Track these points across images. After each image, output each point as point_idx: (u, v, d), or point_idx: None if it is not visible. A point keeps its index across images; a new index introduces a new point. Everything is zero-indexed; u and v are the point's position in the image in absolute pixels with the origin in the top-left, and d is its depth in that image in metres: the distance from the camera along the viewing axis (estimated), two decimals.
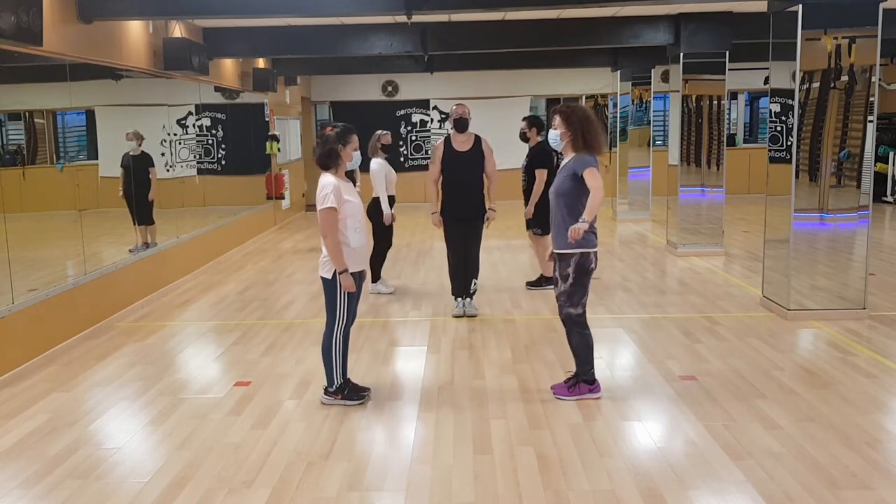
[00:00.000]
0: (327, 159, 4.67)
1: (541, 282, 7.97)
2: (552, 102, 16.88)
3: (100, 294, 6.83)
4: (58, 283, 6.25)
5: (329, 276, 4.66)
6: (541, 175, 7.51)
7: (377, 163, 7.63)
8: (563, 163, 4.79)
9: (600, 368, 5.40)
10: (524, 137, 7.88)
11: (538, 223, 7.81)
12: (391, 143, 7.80)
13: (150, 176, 7.90)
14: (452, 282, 7.02)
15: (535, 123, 7.87)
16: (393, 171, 7.78)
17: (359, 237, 4.72)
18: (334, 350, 4.74)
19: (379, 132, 7.83)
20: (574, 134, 4.63)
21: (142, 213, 7.95)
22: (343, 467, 3.94)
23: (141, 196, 7.83)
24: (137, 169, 7.67)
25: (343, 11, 7.40)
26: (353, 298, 4.75)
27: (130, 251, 7.64)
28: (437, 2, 7.15)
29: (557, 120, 4.70)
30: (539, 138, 7.82)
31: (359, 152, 4.87)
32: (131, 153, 7.60)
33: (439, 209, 6.92)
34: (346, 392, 4.81)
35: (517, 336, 6.27)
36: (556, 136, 4.72)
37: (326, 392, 4.83)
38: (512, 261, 9.63)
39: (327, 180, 4.63)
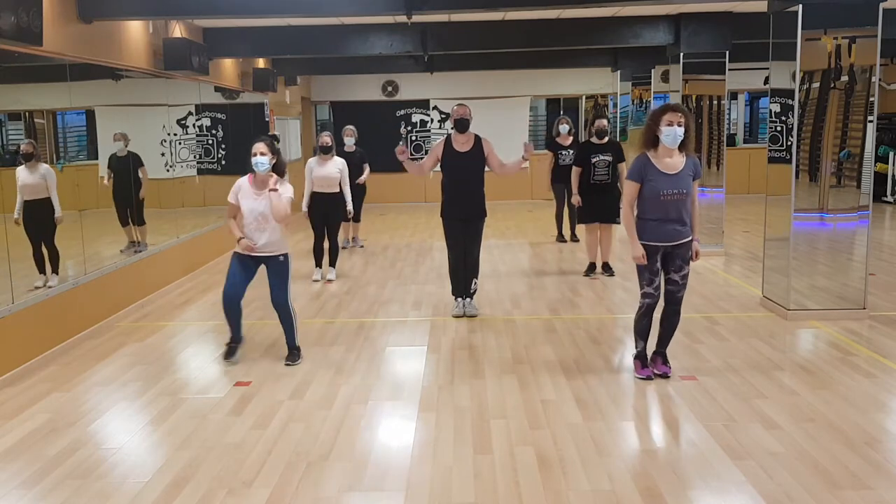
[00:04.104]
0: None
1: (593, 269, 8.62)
2: (552, 102, 16.92)
3: (100, 294, 6.84)
4: (58, 282, 6.25)
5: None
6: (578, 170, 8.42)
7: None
8: (678, 163, 4.93)
9: (600, 368, 5.41)
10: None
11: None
12: (328, 144, 8.51)
13: (141, 175, 7.82)
14: (452, 282, 7.02)
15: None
16: (320, 170, 8.41)
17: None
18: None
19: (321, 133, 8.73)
20: (689, 135, 4.92)
21: (132, 213, 7.87)
22: (343, 467, 3.95)
23: (130, 197, 7.76)
24: (124, 170, 7.60)
25: (343, 11, 7.40)
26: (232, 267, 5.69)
27: (122, 251, 7.60)
28: (438, 2, 7.14)
29: (682, 119, 4.86)
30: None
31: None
32: (118, 154, 7.54)
33: (440, 209, 6.92)
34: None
35: (517, 336, 6.27)
36: (681, 134, 4.86)
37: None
38: (512, 260, 9.63)
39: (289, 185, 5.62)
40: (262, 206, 5.48)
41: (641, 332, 5.20)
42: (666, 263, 5.03)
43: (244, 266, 5.66)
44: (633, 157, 5.14)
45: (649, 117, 5.03)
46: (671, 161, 4.92)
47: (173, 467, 3.99)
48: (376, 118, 15.67)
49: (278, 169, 5.58)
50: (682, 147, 4.92)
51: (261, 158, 5.49)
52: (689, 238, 5.02)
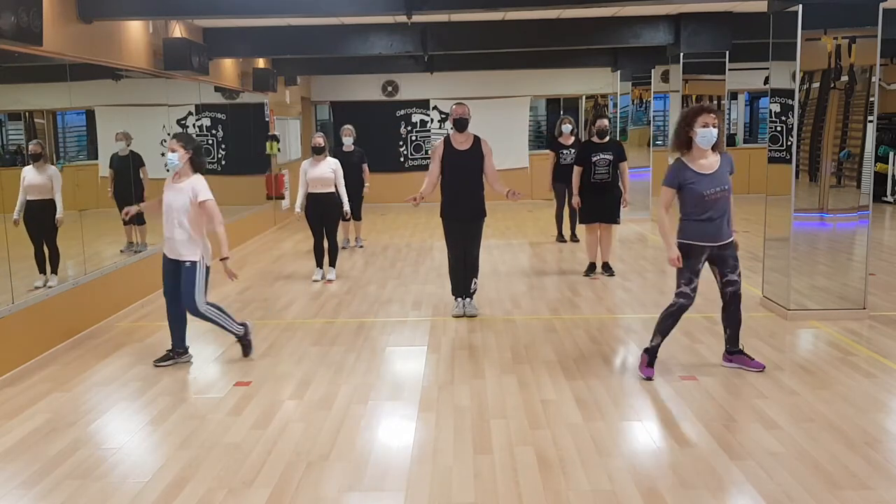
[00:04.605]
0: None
1: (593, 269, 8.60)
2: (552, 102, 16.92)
3: (100, 294, 6.84)
4: (58, 282, 6.25)
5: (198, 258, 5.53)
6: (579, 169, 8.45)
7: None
8: (713, 162, 4.99)
9: (600, 368, 5.41)
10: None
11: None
12: (321, 145, 8.53)
13: (142, 175, 7.86)
14: (452, 281, 7.02)
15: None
16: (314, 170, 8.41)
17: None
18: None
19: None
20: (720, 134, 4.95)
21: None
22: (343, 467, 3.95)
23: (131, 196, 7.79)
24: (125, 169, 7.63)
25: (343, 11, 7.40)
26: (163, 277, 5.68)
27: (122, 251, 7.63)
28: (438, 2, 7.15)
29: (716, 119, 4.89)
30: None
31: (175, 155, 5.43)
32: (120, 153, 7.58)
33: (440, 209, 6.92)
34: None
35: (517, 336, 6.27)
36: (716, 135, 4.89)
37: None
38: (512, 260, 9.63)
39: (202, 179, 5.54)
40: (173, 200, 5.49)
41: (663, 331, 5.15)
42: (720, 266, 5.12)
43: (167, 267, 5.66)
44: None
45: (681, 119, 4.98)
46: (706, 161, 4.95)
47: (173, 467, 3.99)
48: (376, 118, 15.67)
49: (196, 165, 5.55)
50: (715, 146, 4.95)
51: (170, 155, 5.44)
52: (732, 237, 5.11)
